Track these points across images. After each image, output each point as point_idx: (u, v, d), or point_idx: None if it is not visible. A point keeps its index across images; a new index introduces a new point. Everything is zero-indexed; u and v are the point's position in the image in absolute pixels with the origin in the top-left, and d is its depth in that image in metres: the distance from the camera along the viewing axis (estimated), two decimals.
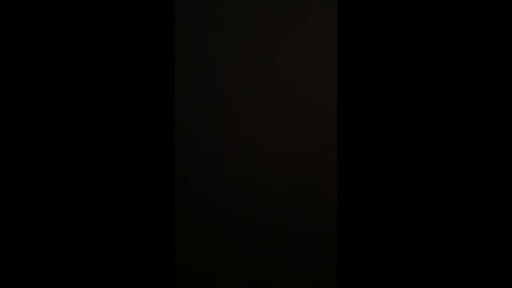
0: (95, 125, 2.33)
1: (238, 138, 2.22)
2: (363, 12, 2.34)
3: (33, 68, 2.33)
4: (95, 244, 2.33)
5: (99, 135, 2.32)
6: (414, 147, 2.34)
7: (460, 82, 2.35)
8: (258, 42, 2.23)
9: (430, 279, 2.34)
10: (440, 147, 2.34)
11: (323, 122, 2.22)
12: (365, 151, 2.33)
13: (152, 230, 2.32)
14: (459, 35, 2.35)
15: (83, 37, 2.33)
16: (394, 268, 2.33)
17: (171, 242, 2.32)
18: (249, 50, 2.23)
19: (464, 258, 2.34)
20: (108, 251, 2.32)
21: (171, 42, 2.33)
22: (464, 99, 2.35)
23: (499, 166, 2.34)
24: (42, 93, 2.33)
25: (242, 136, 2.22)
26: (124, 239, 2.32)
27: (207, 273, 2.22)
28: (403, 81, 2.34)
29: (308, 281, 2.21)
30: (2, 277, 2.32)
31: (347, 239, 2.33)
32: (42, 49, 2.33)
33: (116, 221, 2.32)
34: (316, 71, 2.23)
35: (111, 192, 2.32)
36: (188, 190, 2.22)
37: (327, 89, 2.23)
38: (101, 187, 2.32)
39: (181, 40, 2.23)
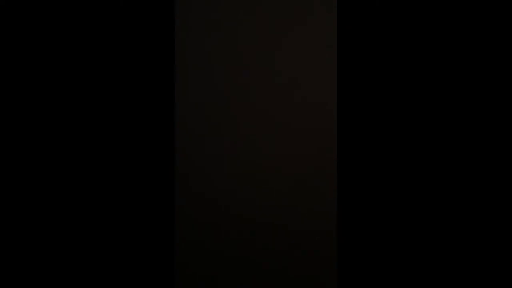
0: (95, 125, 2.33)
1: (238, 138, 2.22)
2: (363, 12, 2.34)
3: (33, 68, 2.33)
4: (95, 244, 2.33)
5: (99, 135, 2.32)
6: (414, 147, 2.34)
7: (460, 82, 2.35)
8: (258, 42, 2.23)
9: (430, 279, 2.34)
10: (440, 147, 2.34)
11: (323, 122, 2.22)
12: (365, 151, 2.33)
13: (152, 230, 2.32)
14: (459, 35, 2.35)
15: (83, 37, 2.33)
16: (394, 268, 2.33)
17: (171, 242, 2.32)
18: (249, 50, 2.23)
19: (464, 258, 2.34)
20: (108, 251, 2.32)
21: (171, 42, 2.33)
22: (464, 99, 2.35)
23: (499, 166, 2.34)
24: (42, 94, 2.33)
25: (242, 136, 2.22)
26: (124, 239, 2.32)
27: (207, 273, 2.22)
28: (403, 81, 2.34)
29: (308, 281, 2.21)
30: (2, 277, 2.32)
31: (347, 239, 2.33)
32: (42, 49, 2.33)
33: (116, 221, 2.32)
34: (316, 71, 2.23)
35: (111, 192, 2.32)
36: (188, 190, 2.22)
37: (327, 89, 2.23)
38: (101, 187, 2.32)
39: (181, 40, 2.23)
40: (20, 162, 2.32)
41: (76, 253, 2.32)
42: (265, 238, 2.22)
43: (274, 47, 2.23)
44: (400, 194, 2.34)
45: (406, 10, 2.34)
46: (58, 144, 2.32)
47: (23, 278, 2.32)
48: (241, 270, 2.22)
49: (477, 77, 2.35)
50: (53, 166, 2.32)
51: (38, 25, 2.32)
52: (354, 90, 2.34)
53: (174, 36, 2.32)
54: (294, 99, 2.22)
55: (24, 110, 2.33)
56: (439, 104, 2.34)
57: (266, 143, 2.22)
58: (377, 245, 2.33)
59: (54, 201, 2.32)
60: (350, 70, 2.34)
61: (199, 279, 2.22)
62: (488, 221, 2.34)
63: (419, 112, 2.34)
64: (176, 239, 2.22)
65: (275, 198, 2.22)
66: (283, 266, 2.22)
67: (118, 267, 2.32)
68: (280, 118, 2.23)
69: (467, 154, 2.34)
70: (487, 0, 2.35)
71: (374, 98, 2.34)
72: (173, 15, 2.33)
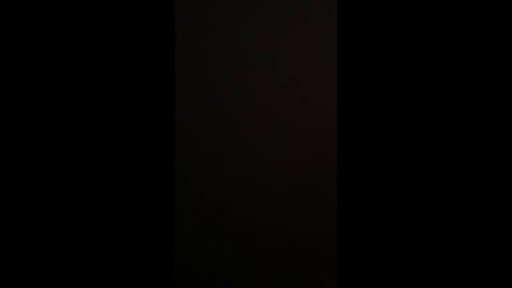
0: (95, 125, 2.33)
1: (238, 138, 2.22)
2: (363, 12, 2.34)
3: (33, 68, 2.33)
4: (95, 244, 2.33)
5: (99, 135, 2.32)
6: (414, 147, 2.34)
7: (460, 82, 2.35)
8: (258, 42, 2.23)
9: (430, 279, 2.34)
10: (440, 147, 2.34)
11: (323, 122, 2.22)
12: (365, 151, 2.33)
13: (152, 230, 2.32)
14: (460, 35, 2.35)
15: (83, 37, 2.33)
16: (394, 268, 2.33)
17: (171, 242, 2.32)
18: (249, 50, 2.23)
19: (464, 258, 2.34)
20: (108, 251, 2.32)
21: (171, 42, 2.33)
22: (464, 99, 2.35)
23: (499, 166, 2.34)
24: (42, 94, 2.33)
25: (242, 136, 2.22)
26: (124, 239, 2.32)
27: (207, 273, 2.22)
28: (403, 81, 2.34)
29: (308, 281, 2.21)
30: (2, 277, 2.32)
31: (347, 239, 2.33)
32: (42, 49, 2.33)
33: (116, 221, 2.32)
34: (316, 71, 2.23)
35: (111, 192, 2.32)
36: (188, 190, 2.22)
37: (327, 89, 2.23)
38: (101, 187, 2.32)
39: (181, 40, 2.23)
40: (20, 163, 2.32)
41: (76, 253, 2.32)
42: (265, 238, 2.22)
43: (274, 47, 2.23)
44: (400, 194, 2.34)
45: (406, 10, 2.34)
46: (58, 144, 2.32)
47: (24, 278, 2.32)
48: (241, 270, 2.22)
49: (477, 77, 2.35)
50: (53, 166, 2.32)
51: (38, 25, 2.32)
52: (354, 90, 2.34)
53: (174, 36, 2.32)
54: (294, 99, 2.22)
55: (24, 111, 2.33)
56: (439, 104, 2.34)
57: (266, 143, 2.22)
58: (377, 245, 2.33)
59: (54, 200, 2.32)
60: (350, 70, 2.34)
61: (199, 279, 2.22)
62: (488, 221, 2.34)
63: (419, 112, 2.34)
64: (176, 239, 2.22)
65: (275, 198, 2.22)
66: (283, 266, 2.22)
67: (118, 267, 2.32)
68: (280, 118, 2.23)
69: (467, 154, 2.34)
70: (487, 0, 2.35)
71: (374, 98, 2.34)
72: (173, 15, 2.33)
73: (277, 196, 2.22)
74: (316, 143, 2.22)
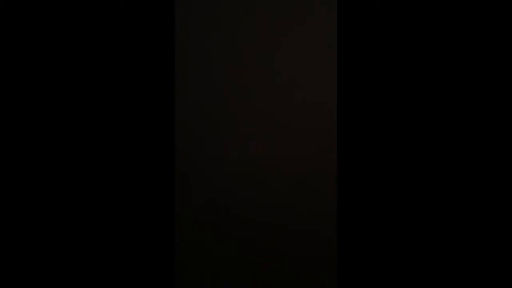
0: (95, 125, 2.33)
1: (238, 138, 2.22)
2: (363, 12, 2.34)
3: (33, 68, 2.33)
4: (95, 244, 2.33)
5: (99, 136, 2.32)
6: (414, 147, 2.34)
7: (460, 82, 2.35)
8: (258, 42, 2.23)
9: (430, 279, 2.34)
10: (441, 147, 2.34)
11: (323, 122, 2.22)
12: (365, 151, 2.33)
13: (152, 230, 2.32)
14: (459, 35, 2.35)
15: (83, 38, 2.33)
16: (394, 268, 2.33)
17: (171, 242, 2.32)
18: (249, 50, 2.23)
19: (464, 259, 2.34)
20: (108, 251, 2.32)
21: (171, 42, 2.33)
22: (464, 99, 2.35)
23: (500, 166, 2.34)
24: (41, 95, 2.33)
25: (242, 136, 2.22)
26: (124, 239, 2.32)
27: (207, 273, 2.22)
28: (403, 81, 2.34)
29: (308, 281, 2.21)
30: (2, 277, 2.32)
31: (347, 239, 2.33)
32: (42, 50, 2.33)
33: (116, 221, 2.32)
34: (316, 71, 2.23)
35: (111, 192, 2.32)
36: (188, 190, 2.22)
37: (327, 89, 2.23)
38: (101, 187, 2.32)
39: (181, 40, 2.23)
40: (20, 163, 2.32)
41: (76, 253, 2.32)
42: (265, 238, 2.22)
43: (274, 47, 2.23)
44: (400, 194, 2.34)
45: (406, 10, 2.34)
46: (58, 144, 2.32)
47: (24, 278, 2.32)
48: (241, 270, 2.22)
49: (477, 77, 2.35)
50: (53, 167, 2.32)
51: (38, 25, 2.32)
52: (354, 90, 2.34)
53: (174, 36, 2.32)
54: (294, 99, 2.22)
55: (24, 111, 2.33)
56: (439, 104, 2.34)
57: (266, 143, 2.22)
58: (377, 245, 2.33)
59: (54, 201, 2.32)
60: (350, 70, 2.34)
61: (199, 279, 2.22)
62: (488, 223, 2.34)
63: (419, 112, 2.34)
64: (176, 239, 2.22)
65: (275, 198, 2.22)
66: (283, 266, 2.22)
67: (118, 267, 2.32)
68: (280, 118, 2.22)
69: (467, 154, 2.34)
70: (487, 0, 2.35)
71: (374, 98, 2.34)
72: (173, 15, 2.33)
73: (277, 196, 2.22)
74: (316, 143, 2.22)
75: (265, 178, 2.22)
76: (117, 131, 2.32)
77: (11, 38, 2.33)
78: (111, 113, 2.32)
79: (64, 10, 2.33)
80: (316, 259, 2.22)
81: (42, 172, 2.32)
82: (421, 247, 2.34)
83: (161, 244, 2.32)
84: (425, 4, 2.34)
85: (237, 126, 2.23)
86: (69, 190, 2.32)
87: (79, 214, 2.32)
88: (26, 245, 2.32)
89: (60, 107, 2.33)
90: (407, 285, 2.33)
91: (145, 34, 2.33)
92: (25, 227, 2.32)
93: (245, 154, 2.22)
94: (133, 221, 2.32)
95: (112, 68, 2.33)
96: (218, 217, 2.22)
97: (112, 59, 2.33)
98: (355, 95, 2.33)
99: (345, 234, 2.33)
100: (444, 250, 2.34)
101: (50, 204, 2.32)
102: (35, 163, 2.32)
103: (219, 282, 2.22)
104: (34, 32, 2.33)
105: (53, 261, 2.32)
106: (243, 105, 2.23)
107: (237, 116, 2.23)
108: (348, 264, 2.33)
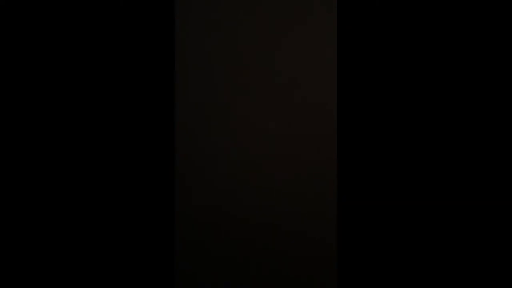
0: (95, 125, 2.33)
1: (238, 138, 2.22)
2: (363, 12, 2.34)
3: (33, 68, 2.33)
4: (95, 244, 2.32)
5: (99, 136, 2.32)
6: (414, 146, 2.34)
7: (460, 82, 2.35)
8: (258, 42, 2.23)
9: (430, 279, 2.34)
10: (439, 144, 2.34)
11: (323, 122, 2.22)
12: (365, 151, 2.33)
13: (152, 230, 2.32)
14: (459, 35, 2.35)
15: (83, 38, 2.33)
16: (394, 269, 2.33)
17: (171, 242, 2.32)
18: (249, 50, 2.23)
19: (464, 261, 2.34)
20: (109, 251, 2.32)
21: (171, 42, 2.33)
22: (464, 99, 2.35)
23: (500, 167, 2.34)
24: (41, 94, 2.33)
25: (242, 136, 2.22)
26: (124, 239, 2.32)
27: (207, 273, 2.22)
28: (403, 81, 2.34)
29: (308, 281, 2.21)
30: (2, 277, 2.32)
31: (347, 239, 2.33)
32: (42, 50, 2.33)
33: (116, 221, 2.32)
34: (316, 71, 2.23)
35: (111, 192, 2.32)
36: (188, 190, 2.22)
37: (327, 89, 2.22)
38: (101, 187, 2.32)
39: (181, 40, 2.23)
40: (20, 163, 2.32)
41: (76, 253, 2.32)
42: (265, 238, 2.22)
43: (274, 47, 2.23)
44: (400, 194, 2.33)
45: (406, 10, 2.34)
46: (58, 144, 2.32)
47: (24, 278, 2.32)
48: (241, 270, 2.22)
49: (477, 77, 2.35)
50: (53, 167, 2.32)
51: (38, 25, 2.32)
52: (354, 90, 2.34)
53: (174, 36, 2.32)
54: (294, 99, 2.22)
55: (24, 111, 2.33)
56: (439, 104, 2.34)
57: (266, 143, 2.22)
58: (377, 245, 2.33)
59: (54, 200, 2.32)
60: (350, 70, 2.34)
61: (199, 279, 2.22)
62: (489, 226, 2.34)
63: (419, 112, 2.34)
64: (176, 239, 2.22)
65: (275, 198, 2.22)
66: (283, 266, 2.22)
67: (118, 267, 2.32)
68: (280, 118, 2.22)
69: (467, 154, 2.34)
70: (487, 0, 2.35)
71: (374, 98, 2.34)
72: (173, 15, 2.33)
73: (277, 196, 2.22)
74: (316, 144, 2.22)
75: (265, 178, 2.22)
76: (117, 131, 2.32)
77: (11, 38, 2.33)
78: (111, 113, 2.32)
79: (64, 10, 2.33)
80: (316, 259, 2.21)
81: (42, 172, 2.32)
82: (420, 245, 2.34)
83: (161, 244, 2.32)
84: (425, 4, 2.34)
85: (237, 126, 2.23)
86: (69, 190, 2.32)
87: (79, 214, 2.32)
88: (27, 245, 2.32)
89: (60, 107, 2.33)
90: (407, 285, 2.33)
91: (145, 34, 2.33)
92: (26, 227, 2.32)
93: (245, 154, 2.22)
94: (133, 221, 2.32)
95: (112, 68, 2.33)
96: (218, 217, 2.22)
97: (112, 59, 2.33)
98: (355, 95, 2.33)
99: (345, 234, 2.33)
100: (444, 250, 2.34)
101: (50, 204, 2.32)
102: (35, 163, 2.32)
103: (219, 282, 2.22)
104: (34, 33, 2.33)
105: (53, 261, 2.32)
106: (243, 105, 2.22)
107: (237, 116, 2.23)
108: (348, 264, 2.33)
